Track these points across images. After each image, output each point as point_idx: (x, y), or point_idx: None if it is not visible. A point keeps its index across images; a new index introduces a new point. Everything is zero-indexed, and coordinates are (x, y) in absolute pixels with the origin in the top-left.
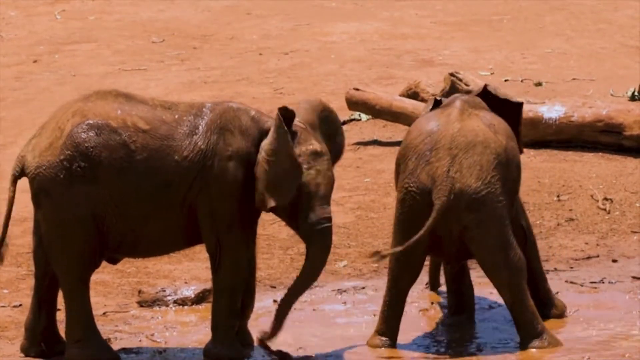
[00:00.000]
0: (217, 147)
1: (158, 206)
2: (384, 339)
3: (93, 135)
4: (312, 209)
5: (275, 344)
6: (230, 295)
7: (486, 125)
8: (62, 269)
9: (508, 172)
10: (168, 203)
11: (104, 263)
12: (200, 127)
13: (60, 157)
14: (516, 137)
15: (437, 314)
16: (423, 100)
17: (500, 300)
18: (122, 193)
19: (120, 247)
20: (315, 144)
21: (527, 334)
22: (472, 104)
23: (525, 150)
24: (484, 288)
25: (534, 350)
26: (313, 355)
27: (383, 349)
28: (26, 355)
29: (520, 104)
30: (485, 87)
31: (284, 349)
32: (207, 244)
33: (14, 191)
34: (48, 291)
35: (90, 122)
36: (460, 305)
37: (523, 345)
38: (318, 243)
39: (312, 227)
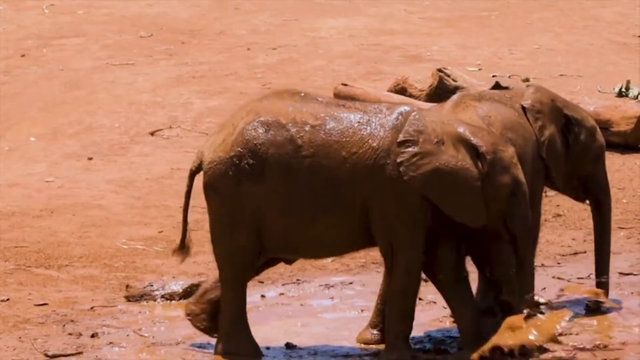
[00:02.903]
0: (392, 148)
1: (325, 205)
2: (375, 332)
3: (262, 132)
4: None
5: (262, 339)
6: (402, 299)
7: (480, 117)
8: (224, 261)
9: None
10: (335, 202)
11: (89, 254)
12: (374, 124)
13: (231, 154)
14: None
15: (425, 309)
16: (411, 96)
17: None
18: (288, 190)
19: (284, 248)
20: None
21: None
22: (478, 96)
23: None
24: (473, 283)
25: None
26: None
27: (373, 343)
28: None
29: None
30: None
31: (271, 344)
32: (380, 246)
33: (190, 185)
34: None
35: (261, 119)
36: None
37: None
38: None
39: None
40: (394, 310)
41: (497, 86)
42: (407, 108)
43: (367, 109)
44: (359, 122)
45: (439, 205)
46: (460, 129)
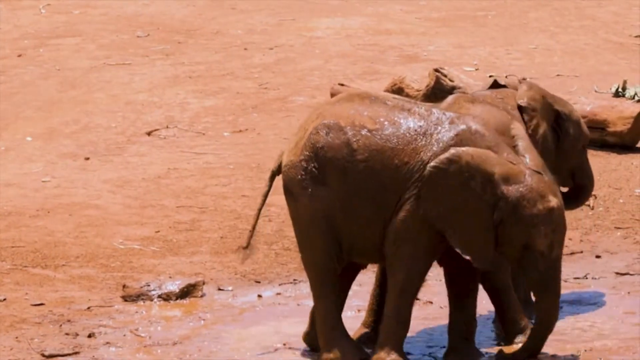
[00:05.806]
0: None
1: (378, 210)
2: (369, 331)
3: (323, 136)
4: None
5: (258, 340)
6: (397, 306)
7: None
8: (307, 267)
9: None
10: (386, 207)
11: (86, 254)
12: (430, 137)
13: (300, 158)
14: None
15: (422, 308)
16: (408, 96)
17: (486, 297)
18: (345, 194)
19: (352, 251)
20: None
21: (512, 330)
22: (471, 98)
23: None
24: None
25: (519, 345)
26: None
27: (367, 342)
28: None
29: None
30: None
31: (267, 344)
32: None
33: (269, 186)
34: None
35: (324, 122)
36: None
37: (508, 341)
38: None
39: None
40: (390, 317)
41: (495, 84)
42: (465, 127)
43: (429, 117)
44: (416, 131)
45: (451, 242)
46: (494, 170)
